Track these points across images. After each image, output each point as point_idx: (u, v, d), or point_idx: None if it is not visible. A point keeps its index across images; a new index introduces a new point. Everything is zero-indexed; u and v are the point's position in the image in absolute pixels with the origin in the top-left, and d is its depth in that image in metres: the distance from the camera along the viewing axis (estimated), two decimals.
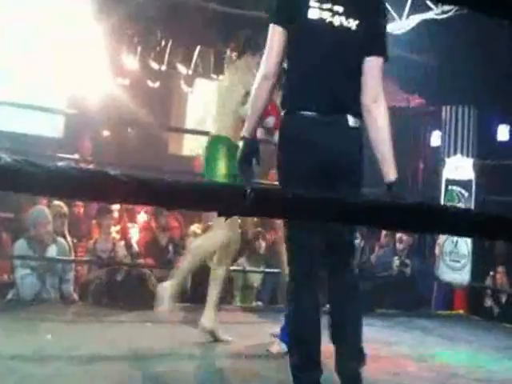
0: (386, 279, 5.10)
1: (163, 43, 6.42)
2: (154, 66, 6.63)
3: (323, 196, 1.03)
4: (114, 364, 2.94)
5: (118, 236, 4.77)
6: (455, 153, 5.36)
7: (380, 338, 3.88)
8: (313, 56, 2.13)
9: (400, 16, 5.53)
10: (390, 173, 2.18)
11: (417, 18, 5.34)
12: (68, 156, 5.37)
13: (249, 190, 0.96)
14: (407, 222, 1.03)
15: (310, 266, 2.19)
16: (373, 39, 2.14)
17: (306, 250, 2.18)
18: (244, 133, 2.28)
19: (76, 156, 5.92)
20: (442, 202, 5.12)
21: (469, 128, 5.44)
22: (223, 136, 3.33)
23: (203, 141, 5.39)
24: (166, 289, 3.28)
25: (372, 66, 2.14)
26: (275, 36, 2.12)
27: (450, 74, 5.87)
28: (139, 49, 6.47)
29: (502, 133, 7.61)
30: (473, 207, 5.02)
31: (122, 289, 4.11)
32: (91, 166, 6.14)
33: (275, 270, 4.77)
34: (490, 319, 4.91)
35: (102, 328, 3.66)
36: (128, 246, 4.50)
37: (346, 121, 2.12)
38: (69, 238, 4.62)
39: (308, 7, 2.09)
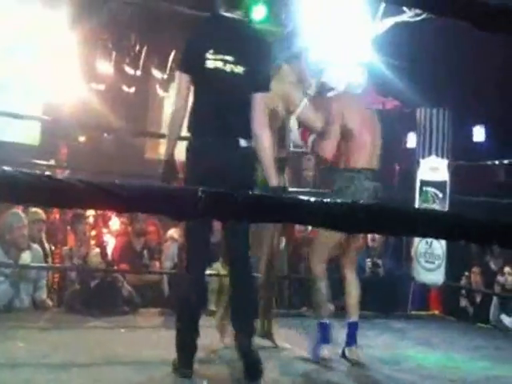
0: (360, 281, 5.11)
1: (138, 48, 6.41)
2: (129, 71, 6.62)
3: (269, 197, 1.04)
4: (87, 370, 2.92)
5: (93, 242, 4.75)
6: (430, 154, 5.41)
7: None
8: (211, 96, 2.76)
9: (374, 19, 5.58)
10: (270, 181, 2.81)
11: (390, 21, 5.39)
12: (44, 162, 5.33)
13: (200, 194, 0.97)
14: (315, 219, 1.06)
15: (202, 254, 2.88)
16: (258, 80, 2.75)
17: (200, 241, 2.83)
18: (164, 156, 2.84)
19: (52, 162, 5.89)
20: (417, 203, 5.16)
21: (443, 129, 5.49)
22: None
23: (179, 145, 5.39)
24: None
25: (256, 102, 2.74)
26: (182, 81, 2.79)
27: (425, 77, 5.94)
28: (114, 54, 6.47)
29: (478, 134, 7.74)
30: (447, 208, 5.07)
31: (95, 295, 4.08)
32: (67, 172, 6.11)
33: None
34: (465, 319, 4.95)
35: (76, 335, 3.63)
36: (103, 252, 4.48)
37: (238, 142, 2.74)
38: (46, 245, 4.59)
39: (206, 59, 2.71)
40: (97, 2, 5.74)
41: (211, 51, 2.71)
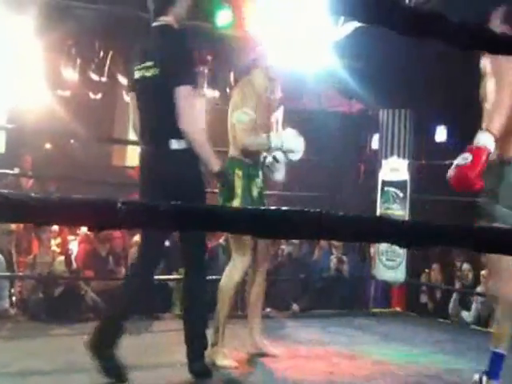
0: (324, 280, 5.20)
1: (102, 55, 6.39)
2: (95, 77, 6.59)
3: (192, 207, 1.07)
4: (49, 378, 2.92)
5: (57, 249, 4.73)
6: (392, 155, 5.51)
7: (316, 339, 3.97)
8: (140, 104, 2.86)
9: (336, 23, 5.66)
10: (209, 167, 2.83)
11: (352, 25, 5.47)
12: (8, 171, 5.29)
13: (120, 204, 0.99)
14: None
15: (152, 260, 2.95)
16: (171, 77, 2.73)
17: (151, 246, 2.88)
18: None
19: (16, 171, 5.83)
20: (378, 203, 5.25)
21: (405, 130, 5.60)
22: (237, 158, 3.25)
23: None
24: (216, 353, 3.20)
25: (177, 97, 2.71)
26: (131, 99, 2.96)
27: (387, 79, 6.03)
28: (79, 61, 6.43)
29: (440, 134, 7.88)
30: (407, 207, 5.17)
31: (60, 303, 4.07)
32: (31, 181, 6.07)
33: (213, 277, 4.82)
34: (426, 315, 5.06)
35: (39, 343, 3.61)
36: (67, 259, 4.46)
37: (168, 145, 2.74)
38: (14, 254, 4.56)
39: (134, 71, 2.86)
40: (62, 8, 5.71)
41: (137, 63, 2.84)
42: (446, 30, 1.18)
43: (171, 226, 1.14)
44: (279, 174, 3.31)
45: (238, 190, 3.18)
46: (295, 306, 4.85)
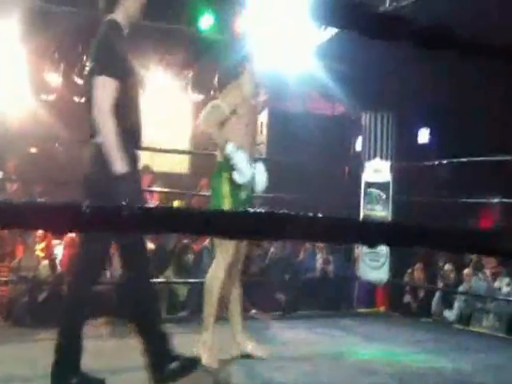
0: (310, 281, 5.23)
1: (86, 58, 6.38)
2: (79, 81, 6.57)
3: (156, 208, 1.08)
4: (29, 383, 2.92)
5: (42, 254, 4.71)
6: (375, 157, 5.56)
7: (300, 339, 4.00)
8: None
9: (319, 27, 5.70)
10: (112, 167, 2.60)
11: (334, 29, 5.50)
12: None
13: (84, 207, 1.00)
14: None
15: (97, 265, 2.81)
16: (94, 68, 2.68)
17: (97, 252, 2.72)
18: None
19: (0, 175, 5.81)
20: (362, 204, 5.29)
21: (387, 132, 5.65)
22: (225, 162, 3.25)
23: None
24: (204, 344, 3.23)
25: (95, 86, 2.63)
26: None
27: (370, 82, 6.07)
28: (62, 65, 6.41)
29: (423, 136, 7.96)
30: (390, 208, 5.21)
31: (44, 308, 4.05)
32: (15, 184, 6.04)
33: (201, 280, 4.83)
34: (409, 315, 5.10)
35: (22, 348, 3.60)
36: (51, 264, 4.44)
37: (95, 140, 2.64)
38: None
39: None
40: (45, 12, 5.69)
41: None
42: (412, 32, 1.21)
43: (136, 228, 1.15)
44: (240, 178, 3.25)
45: (226, 193, 3.22)
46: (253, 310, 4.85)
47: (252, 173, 3.25)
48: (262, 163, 3.44)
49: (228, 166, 3.20)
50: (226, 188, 3.23)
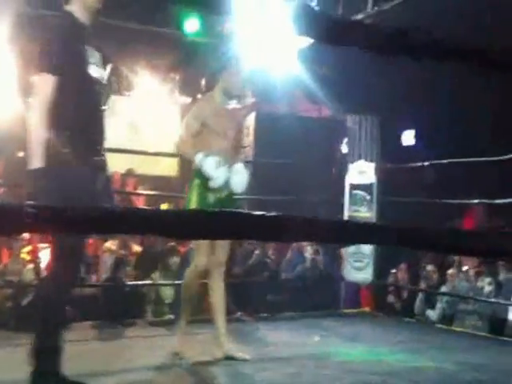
0: (295, 282, 5.26)
1: None
2: None
3: (101, 208, 1.09)
4: None
5: (28, 257, 4.71)
6: (360, 159, 5.60)
7: (284, 340, 4.02)
8: None
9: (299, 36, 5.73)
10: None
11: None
12: None
13: (27, 208, 0.99)
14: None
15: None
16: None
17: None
18: None
19: None
20: (346, 206, 5.33)
21: (372, 135, 5.69)
22: (197, 167, 3.37)
23: (119, 158, 5.43)
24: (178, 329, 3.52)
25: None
26: None
27: (354, 85, 6.11)
28: None
29: (408, 138, 8.01)
30: (375, 210, 5.25)
31: (28, 312, 4.05)
32: (2, 189, 6.03)
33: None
34: (393, 315, 5.15)
35: (7, 352, 3.59)
36: (36, 268, 4.44)
37: None
38: None
39: None
40: (32, 16, 5.70)
41: None
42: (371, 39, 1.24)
43: (80, 229, 1.16)
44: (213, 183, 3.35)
45: (193, 198, 3.38)
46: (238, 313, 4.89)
47: (226, 176, 3.32)
48: (244, 165, 3.49)
49: (199, 173, 3.34)
50: (193, 193, 3.39)
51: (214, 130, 3.41)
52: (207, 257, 3.41)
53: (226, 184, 3.35)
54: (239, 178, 3.37)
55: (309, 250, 5.45)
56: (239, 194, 3.59)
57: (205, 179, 3.31)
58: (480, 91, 6.04)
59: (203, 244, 3.38)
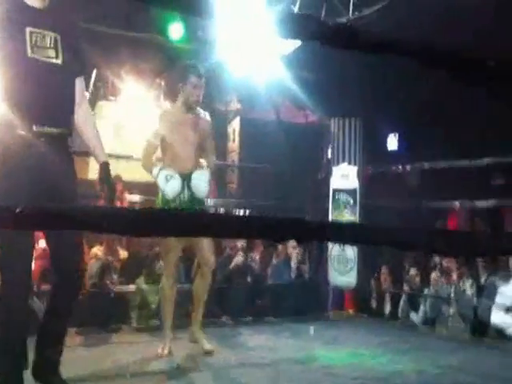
0: (280, 287, 5.29)
1: None
2: None
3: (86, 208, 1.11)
4: None
5: None
6: (343, 162, 5.66)
7: (267, 344, 4.05)
8: None
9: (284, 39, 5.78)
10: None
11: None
12: None
13: (19, 209, 1.02)
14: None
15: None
16: None
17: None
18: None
19: None
20: (330, 210, 5.38)
21: (355, 138, 5.75)
22: None
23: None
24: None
25: None
26: None
27: (337, 89, 6.16)
28: None
29: (392, 141, 8.07)
30: (358, 213, 5.30)
31: None
32: None
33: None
34: (376, 318, 5.20)
35: None
36: None
37: None
38: None
39: None
40: None
41: None
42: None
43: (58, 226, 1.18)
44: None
45: (159, 203, 3.69)
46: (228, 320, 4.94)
47: (180, 185, 3.60)
48: (205, 171, 3.71)
49: None
50: (158, 201, 3.74)
51: (174, 141, 3.67)
52: (175, 267, 3.75)
53: (184, 191, 3.63)
54: (197, 183, 3.64)
55: (294, 258, 5.45)
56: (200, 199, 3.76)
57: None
58: (463, 96, 6.11)
59: (170, 256, 3.67)
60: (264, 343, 4.09)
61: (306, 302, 5.19)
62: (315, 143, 7.42)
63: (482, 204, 5.14)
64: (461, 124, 6.65)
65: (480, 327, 4.52)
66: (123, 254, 5.17)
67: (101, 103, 7.22)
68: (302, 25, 1.25)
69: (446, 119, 6.73)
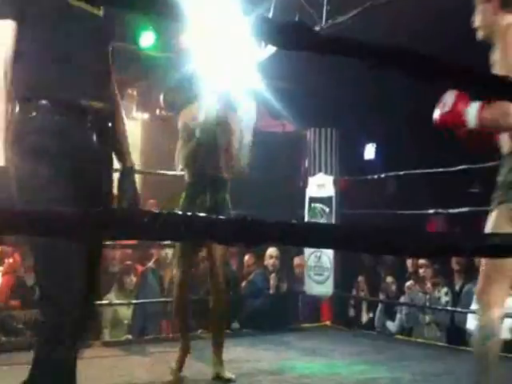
0: (257, 298, 5.34)
1: None
2: None
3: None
4: None
5: None
6: (320, 171, 5.77)
7: (242, 356, 4.11)
8: None
9: (259, 44, 5.89)
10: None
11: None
12: None
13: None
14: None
15: None
16: None
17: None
18: None
19: None
20: (306, 219, 5.47)
21: (331, 148, 5.88)
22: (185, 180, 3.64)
23: None
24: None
25: None
26: None
27: (313, 98, 6.28)
28: None
29: (369, 151, 8.24)
30: (334, 222, 5.41)
31: None
32: None
33: (145, 300, 4.93)
34: (353, 327, 5.30)
35: None
36: None
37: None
38: None
39: None
40: None
41: None
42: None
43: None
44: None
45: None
46: (235, 325, 5.00)
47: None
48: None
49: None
50: (180, 206, 3.53)
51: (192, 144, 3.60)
52: (187, 268, 3.51)
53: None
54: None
55: (273, 277, 5.49)
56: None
57: (191, 188, 3.50)
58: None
59: (182, 257, 3.48)
60: (239, 355, 4.15)
61: (282, 312, 5.26)
62: (292, 153, 7.54)
63: (458, 211, 5.27)
64: (437, 131, 6.82)
65: (456, 335, 4.63)
66: None
67: None
68: (293, 33, 1.30)
69: (422, 127, 6.89)
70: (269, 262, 5.54)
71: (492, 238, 1.38)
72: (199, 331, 4.86)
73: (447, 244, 1.26)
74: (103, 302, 4.70)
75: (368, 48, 1.31)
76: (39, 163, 1.80)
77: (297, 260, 5.77)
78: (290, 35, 1.23)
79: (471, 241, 1.25)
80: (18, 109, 1.86)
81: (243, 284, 5.41)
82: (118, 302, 4.68)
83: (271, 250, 5.47)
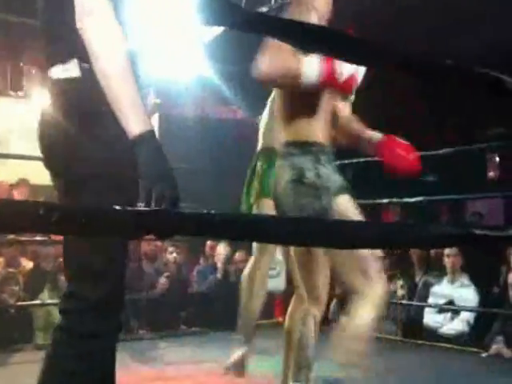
0: (207, 294, 5.25)
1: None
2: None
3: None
4: None
5: None
6: None
7: (188, 358, 4.02)
8: None
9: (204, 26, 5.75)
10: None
11: (218, 29, 5.55)
12: None
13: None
14: None
15: None
16: None
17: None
18: None
19: None
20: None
21: None
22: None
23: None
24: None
25: None
26: None
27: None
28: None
29: None
30: None
31: None
32: None
33: None
34: None
35: None
36: None
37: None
38: None
39: None
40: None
41: None
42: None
43: None
44: None
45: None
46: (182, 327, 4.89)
47: None
48: None
49: None
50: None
51: None
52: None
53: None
54: None
55: (221, 259, 5.47)
56: None
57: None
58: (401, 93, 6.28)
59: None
60: (183, 356, 4.05)
61: (233, 309, 5.15)
62: (244, 140, 7.44)
63: (413, 201, 5.27)
64: (396, 121, 6.85)
65: (412, 329, 4.63)
66: (27, 264, 4.96)
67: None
68: (226, 12, 1.26)
69: (383, 114, 6.91)
70: (218, 253, 5.49)
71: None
72: (140, 331, 4.73)
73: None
74: (35, 302, 4.50)
75: (294, 28, 1.29)
76: None
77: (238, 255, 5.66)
78: (215, 12, 1.17)
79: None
80: None
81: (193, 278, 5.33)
82: (51, 302, 4.45)
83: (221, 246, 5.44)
